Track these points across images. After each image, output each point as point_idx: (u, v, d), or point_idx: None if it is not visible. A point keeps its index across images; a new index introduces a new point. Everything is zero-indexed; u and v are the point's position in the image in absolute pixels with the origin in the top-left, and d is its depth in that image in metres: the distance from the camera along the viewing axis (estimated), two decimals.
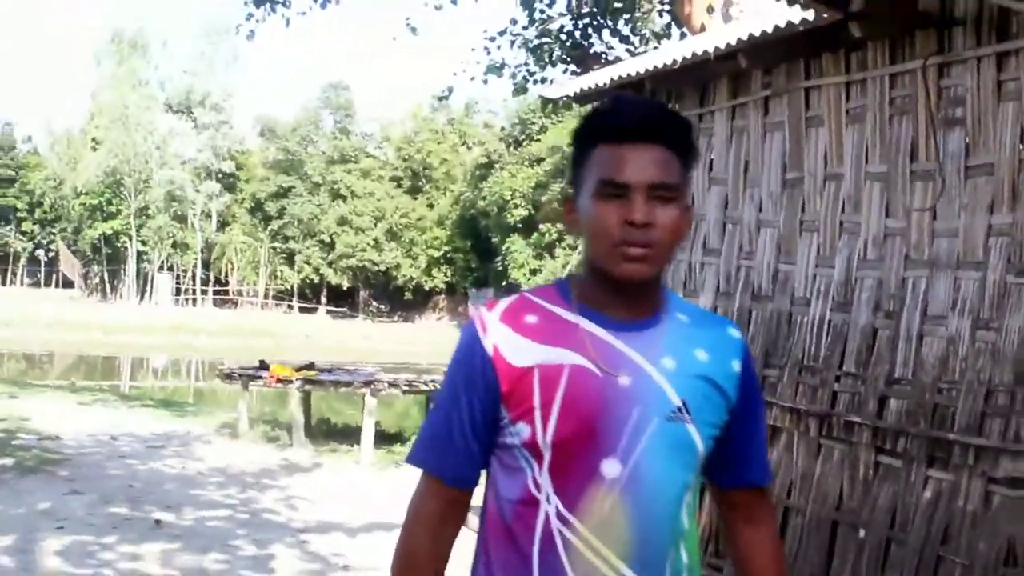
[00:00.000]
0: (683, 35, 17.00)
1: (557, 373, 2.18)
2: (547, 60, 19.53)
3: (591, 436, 2.17)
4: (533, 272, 52.26)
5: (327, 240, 64.71)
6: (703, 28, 14.75)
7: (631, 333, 2.24)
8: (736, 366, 2.34)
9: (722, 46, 7.41)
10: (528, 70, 19.82)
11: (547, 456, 2.19)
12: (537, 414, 2.18)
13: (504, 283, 55.73)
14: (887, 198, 6.58)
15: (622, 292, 2.22)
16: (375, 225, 63.47)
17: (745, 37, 7.13)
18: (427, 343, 47.75)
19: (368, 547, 9.53)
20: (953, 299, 6.07)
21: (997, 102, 5.88)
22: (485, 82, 20.44)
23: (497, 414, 2.24)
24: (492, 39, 20.00)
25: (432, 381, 17.72)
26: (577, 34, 19.47)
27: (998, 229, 5.84)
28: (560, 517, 2.17)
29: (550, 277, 49.58)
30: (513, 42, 19.69)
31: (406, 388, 17.25)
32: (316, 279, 66.69)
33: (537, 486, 2.21)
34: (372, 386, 16.56)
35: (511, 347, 2.21)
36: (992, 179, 5.89)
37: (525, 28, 19.57)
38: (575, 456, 2.17)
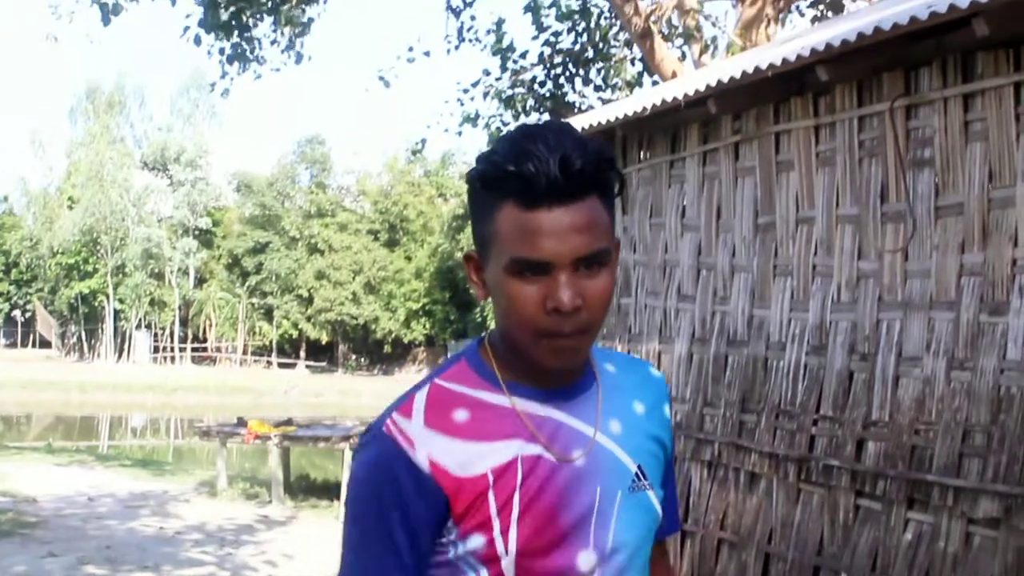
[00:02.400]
0: (655, 83, 17.11)
1: (510, 470, 1.83)
2: (520, 110, 19.61)
3: (557, 533, 1.84)
4: None
5: (305, 295, 64.49)
6: (674, 75, 14.84)
7: (570, 401, 1.92)
8: (667, 411, 2.09)
9: (691, 92, 7.44)
10: (502, 120, 19.89)
11: (506, 562, 1.82)
12: (495, 523, 1.82)
13: (483, 334, 55.61)
14: (859, 240, 6.58)
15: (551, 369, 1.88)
16: (353, 279, 63.30)
17: (714, 83, 7.16)
18: None
19: None
20: (927, 340, 6.06)
21: (965, 142, 5.89)
22: (459, 133, 20.52)
23: (438, 536, 1.85)
24: (465, 91, 20.09)
25: None
26: (550, 84, 19.57)
27: (969, 268, 5.84)
28: None
29: None
30: (486, 93, 19.77)
31: None
32: (295, 334, 66.40)
33: None
34: (351, 440, 16.44)
35: (452, 456, 1.83)
36: (962, 219, 5.89)
37: (498, 79, 19.66)
38: (544, 559, 1.84)
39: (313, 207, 66.49)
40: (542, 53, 19.46)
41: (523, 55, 19.61)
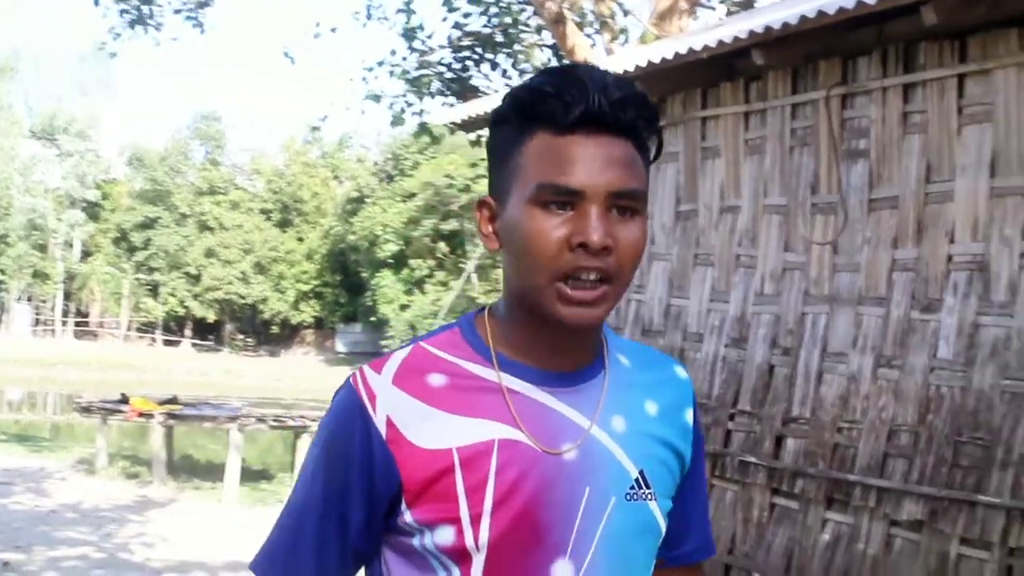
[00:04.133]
0: None
1: (484, 453, 1.60)
2: (426, 92, 19.31)
3: (535, 534, 1.60)
4: (403, 307, 51.92)
5: (193, 272, 63.43)
6: (586, 63, 14.64)
7: (569, 388, 1.68)
8: (690, 417, 1.81)
9: (620, 72, 7.20)
10: (407, 101, 19.58)
11: (478, 560, 1.60)
12: (464, 512, 1.59)
13: (373, 318, 55.28)
14: (786, 231, 6.40)
15: (558, 338, 1.65)
16: (243, 258, 62.41)
17: (643, 64, 6.92)
18: (292, 378, 47.19)
19: None
20: (854, 336, 5.89)
21: (903, 134, 5.74)
22: (363, 112, 20.28)
23: (392, 517, 1.64)
24: (370, 69, 19.74)
25: (301, 416, 17.29)
26: (457, 67, 19.29)
27: (902, 264, 5.69)
28: None
29: (420, 314, 49.34)
30: (392, 73, 19.42)
31: (274, 424, 16.80)
32: (181, 312, 65.26)
33: None
34: (238, 421, 16.06)
35: (414, 423, 1.61)
36: (896, 212, 5.74)
37: (404, 59, 19.33)
38: (515, 561, 1.60)
39: (205, 184, 65.41)
40: (451, 35, 19.17)
41: (431, 36, 19.30)
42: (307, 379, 47.52)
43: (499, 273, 45.11)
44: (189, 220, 64.27)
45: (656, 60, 6.79)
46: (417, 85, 19.24)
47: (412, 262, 52.50)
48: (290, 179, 65.38)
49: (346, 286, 61.56)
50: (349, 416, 1.64)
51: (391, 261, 53.75)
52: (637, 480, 1.68)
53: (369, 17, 19.80)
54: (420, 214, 51.74)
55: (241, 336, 67.78)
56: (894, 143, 5.78)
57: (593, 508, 1.63)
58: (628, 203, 1.58)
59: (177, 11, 18.80)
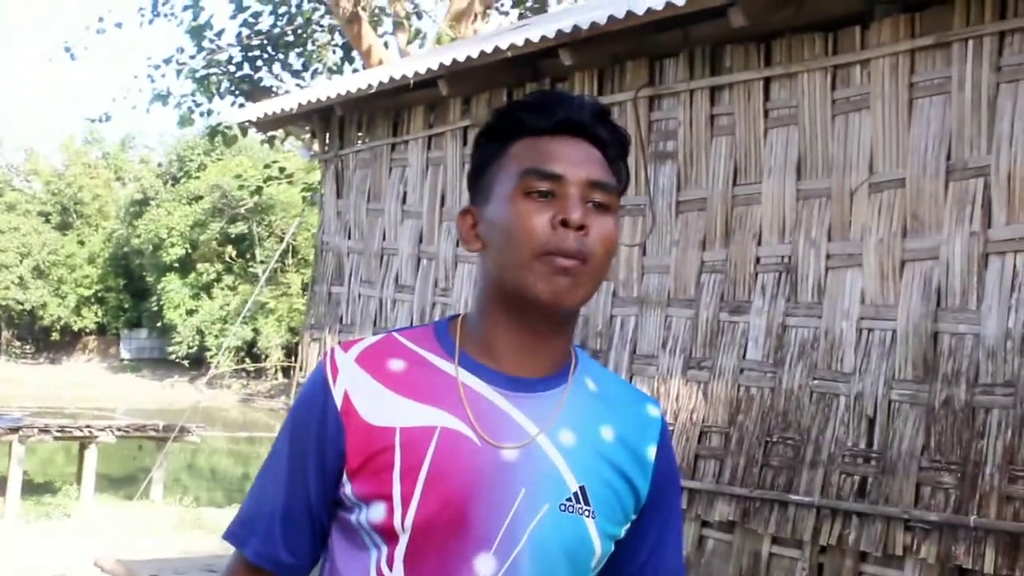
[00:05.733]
0: (356, 71, 16.71)
1: (424, 438, 1.66)
2: (215, 91, 18.86)
3: (462, 523, 1.64)
4: (190, 312, 50.67)
5: None
6: (381, 63, 14.48)
7: (524, 395, 1.72)
8: (651, 453, 1.80)
9: (422, 71, 7.07)
10: (195, 101, 19.09)
11: (403, 541, 1.65)
12: (396, 490, 1.64)
13: (159, 324, 53.85)
14: None
15: (527, 337, 1.71)
16: (20, 262, 59.92)
17: (447, 62, 6.81)
18: (75, 386, 45.54)
19: None
20: (664, 337, 5.90)
21: (710, 136, 5.77)
22: (148, 111, 19.63)
23: (338, 488, 1.71)
24: (156, 67, 19.18)
25: (87, 426, 16.62)
26: (247, 66, 18.89)
27: (710, 266, 5.72)
28: None
29: (207, 318, 48.28)
30: (180, 71, 18.90)
31: (58, 434, 16.06)
32: None
33: None
34: (20, 432, 15.30)
35: (367, 399, 1.69)
36: (704, 214, 5.77)
37: (192, 57, 18.83)
38: (439, 547, 1.65)
39: None
40: (240, 33, 18.75)
41: (219, 34, 18.83)
42: (90, 386, 45.96)
43: (289, 278, 44.58)
44: None
45: (461, 59, 6.68)
46: (205, 85, 18.77)
47: (199, 266, 51.23)
48: (70, 180, 63.04)
49: (130, 291, 59.70)
50: (313, 388, 1.73)
51: (177, 265, 52.34)
52: (576, 494, 1.69)
53: (156, 14, 19.23)
54: (207, 217, 50.59)
55: (19, 343, 65.16)
56: (701, 145, 5.80)
57: (524, 510, 1.65)
58: (603, 197, 1.69)
59: None
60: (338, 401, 1.70)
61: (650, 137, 6.09)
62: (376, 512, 1.65)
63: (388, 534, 1.65)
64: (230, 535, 1.80)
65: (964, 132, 4.70)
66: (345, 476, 1.68)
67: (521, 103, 1.75)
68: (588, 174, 1.68)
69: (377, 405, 1.69)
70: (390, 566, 1.66)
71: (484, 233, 1.72)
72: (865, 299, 5.01)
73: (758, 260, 5.49)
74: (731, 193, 5.65)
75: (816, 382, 5.15)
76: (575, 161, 1.68)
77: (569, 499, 1.68)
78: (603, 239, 1.67)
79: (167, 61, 18.97)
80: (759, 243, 5.49)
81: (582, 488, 1.69)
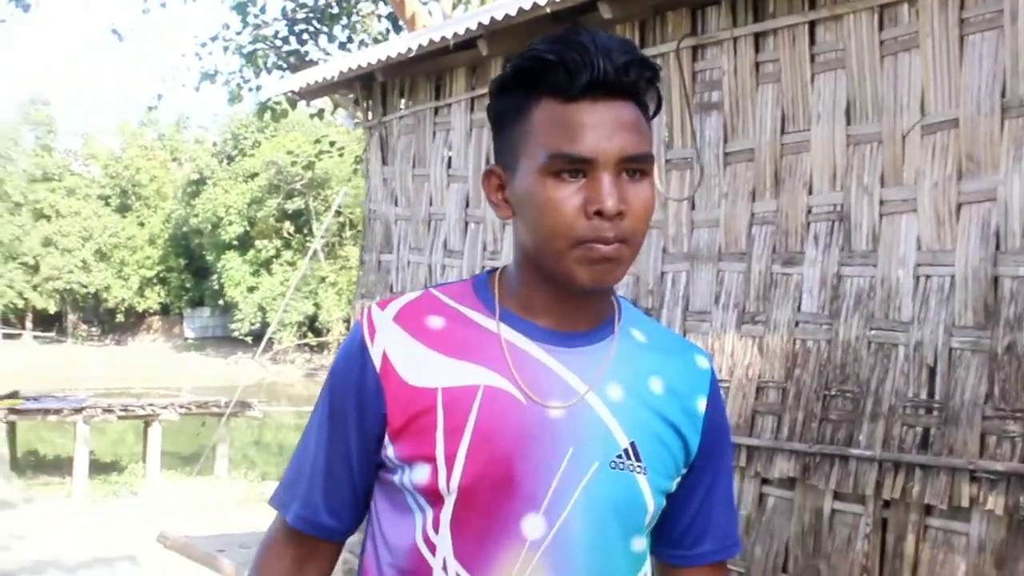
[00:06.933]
0: None
1: (467, 397, 1.61)
2: (262, 67, 18.84)
3: (508, 484, 1.60)
4: (250, 289, 51.04)
5: (31, 263, 61.39)
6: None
7: (569, 350, 1.67)
8: (701, 405, 1.76)
9: (461, 31, 6.96)
10: (243, 77, 19.08)
11: (448, 503, 1.61)
12: (440, 450, 1.60)
13: (221, 302, 54.29)
14: None
15: (569, 299, 1.66)
16: (83, 246, 60.55)
17: (486, 22, 6.69)
18: (140, 366, 46.07)
19: None
20: (716, 293, 5.77)
21: (756, 84, 5.62)
22: (197, 89, 19.63)
23: (380, 450, 1.67)
24: (203, 45, 19.19)
25: (151, 404, 16.77)
26: (293, 40, 18.84)
27: (761, 217, 5.57)
28: None
29: (268, 295, 48.59)
30: (226, 48, 18.90)
31: (122, 413, 16.21)
32: (20, 304, 63.16)
33: (430, 545, 1.63)
34: (84, 413, 15.46)
35: (407, 359, 1.64)
36: (753, 165, 5.62)
37: (238, 34, 18.81)
38: (486, 509, 1.60)
39: (38, 171, 63.29)
40: (284, 8, 18.70)
41: (264, 10, 18.79)
42: (156, 367, 46.50)
43: (347, 251, 44.69)
44: (23, 209, 62.12)
45: (499, 18, 6.55)
46: (252, 60, 18.75)
47: (258, 243, 51.59)
48: (127, 163, 63.58)
49: (191, 270, 60.25)
50: (351, 348, 1.69)
51: (236, 243, 52.73)
52: (626, 450, 1.65)
53: None
54: (263, 194, 50.86)
55: (85, 326, 65.96)
56: (747, 94, 5.65)
57: (573, 469, 1.62)
58: (637, 166, 1.59)
59: None
60: (376, 362, 1.65)
61: (694, 88, 5.93)
62: (420, 474, 1.62)
63: (433, 496, 1.62)
64: (274, 499, 1.79)
65: (1019, 67, 4.50)
66: (387, 438, 1.65)
67: (541, 55, 1.59)
68: (621, 149, 1.56)
69: (417, 364, 1.64)
70: (436, 529, 1.63)
71: (513, 201, 1.65)
72: (921, 245, 4.85)
73: (809, 210, 5.33)
74: (779, 142, 5.49)
75: (873, 332, 5.00)
76: (605, 133, 1.56)
77: (620, 456, 1.64)
78: (642, 211, 1.60)
79: (213, 39, 18.96)
80: (810, 192, 5.33)
81: (632, 444, 1.66)
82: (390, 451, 1.65)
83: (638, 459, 1.65)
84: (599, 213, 1.54)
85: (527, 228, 1.62)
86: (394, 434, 1.64)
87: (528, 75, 1.60)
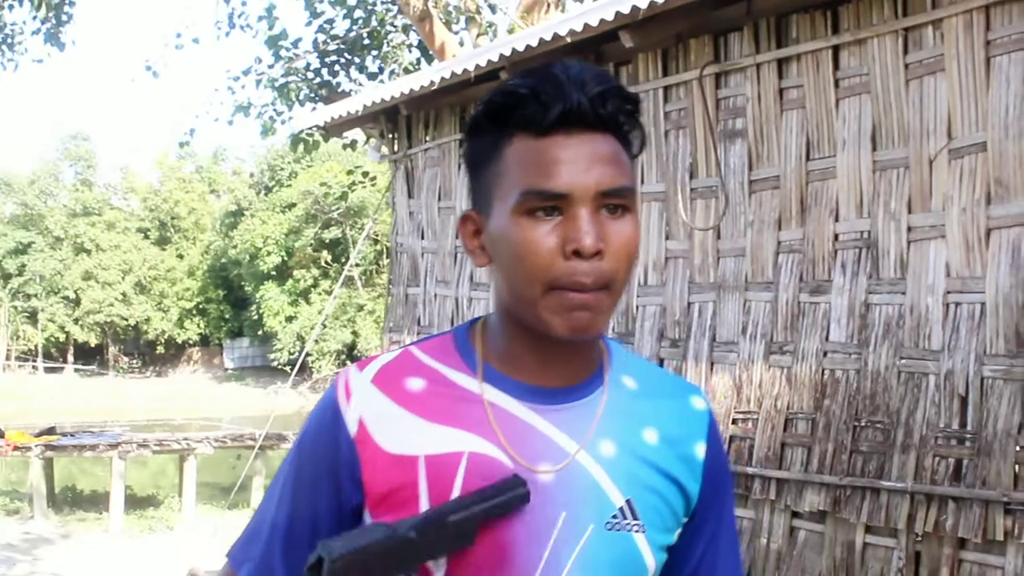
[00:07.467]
0: None
1: (451, 464, 1.51)
2: (294, 99, 18.90)
3: (500, 555, 1.51)
4: (289, 319, 51.18)
5: (72, 296, 61.88)
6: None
7: (557, 407, 1.56)
8: (699, 450, 1.66)
9: (483, 63, 6.92)
10: (275, 110, 19.15)
11: None
12: None
13: (260, 332, 54.46)
14: (666, 219, 6.17)
15: (551, 350, 1.55)
16: (123, 279, 60.95)
17: (508, 53, 6.65)
18: (181, 398, 46.22)
19: None
20: (743, 323, 5.68)
21: (780, 111, 5.54)
22: (230, 123, 19.78)
23: (357, 519, 1.56)
24: (236, 79, 19.27)
25: (186, 439, 16.78)
26: (324, 72, 18.90)
27: (787, 246, 5.49)
28: None
29: (306, 324, 48.69)
30: (259, 81, 18.97)
31: (156, 448, 16.23)
32: (62, 337, 63.61)
33: None
34: (119, 448, 15.48)
35: (386, 425, 1.55)
36: (778, 192, 5.54)
37: (270, 67, 18.88)
38: None
39: (79, 205, 63.85)
40: (316, 40, 18.77)
41: (296, 43, 18.87)
42: (196, 398, 46.60)
43: (384, 279, 44.74)
44: (64, 243, 62.64)
45: (520, 48, 6.51)
46: (285, 93, 18.81)
47: (296, 273, 51.74)
48: (166, 196, 64.08)
49: (230, 301, 60.51)
50: (324, 411, 1.60)
51: (274, 273, 52.93)
52: (622, 509, 1.56)
53: (232, 26, 19.33)
54: (300, 224, 51.05)
55: (126, 358, 66.32)
56: (771, 121, 5.58)
57: (567, 535, 1.53)
58: (617, 201, 1.47)
59: (35, 32, 18.17)
60: (352, 428, 1.55)
61: (718, 116, 5.87)
62: None
63: (422, 572, 1.52)
64: (230, 553, 1.70)
65: None
66: (366, 509, 1.55)
67: (512, 90, 1.49)
68: (598, 183, 1.45)
69: (397, 431, 1.54)
70: None
71: (489, 247, 1.54)
72: (951, 272, 4.75)
73: (836, 237, 5.25)
74: (805, 169, 5.41)
75: (903, 361, 4.90)
76: (581, 167, 1.45)
77: (615, 515, 1.55)
78: (623, 250, 1.47)
79: (246, 72, 19.04)
80: (836, 219, 5.25)
81: (628, 502, 1.56)
82: (369, 521, 1.55)
83: (635, 517, 1.56)
84: (576, 253, 1.43)
85: (503, 274, 1.52)
86: (373, 505, 1.54)
87: (500, 112, 1.50)
